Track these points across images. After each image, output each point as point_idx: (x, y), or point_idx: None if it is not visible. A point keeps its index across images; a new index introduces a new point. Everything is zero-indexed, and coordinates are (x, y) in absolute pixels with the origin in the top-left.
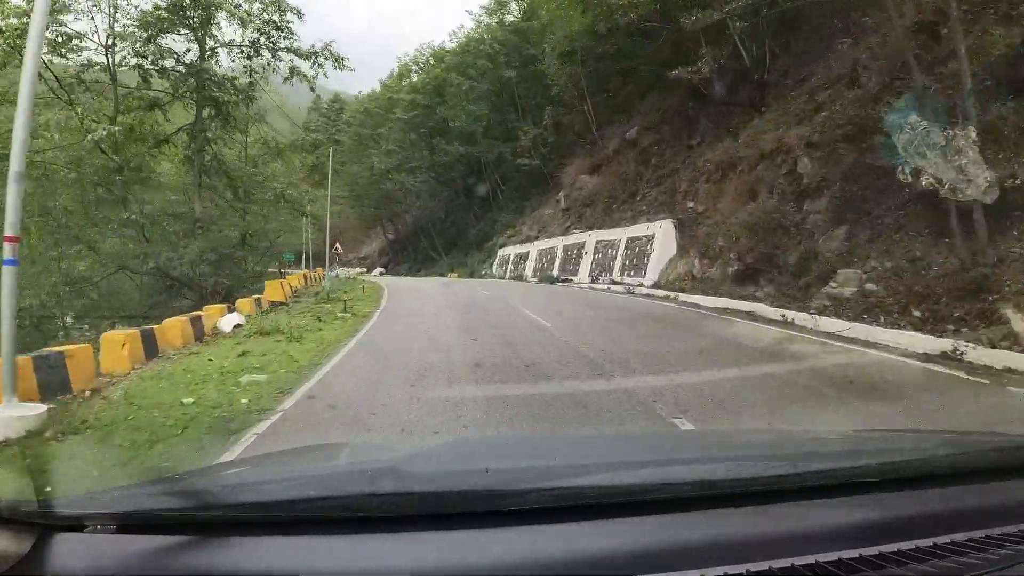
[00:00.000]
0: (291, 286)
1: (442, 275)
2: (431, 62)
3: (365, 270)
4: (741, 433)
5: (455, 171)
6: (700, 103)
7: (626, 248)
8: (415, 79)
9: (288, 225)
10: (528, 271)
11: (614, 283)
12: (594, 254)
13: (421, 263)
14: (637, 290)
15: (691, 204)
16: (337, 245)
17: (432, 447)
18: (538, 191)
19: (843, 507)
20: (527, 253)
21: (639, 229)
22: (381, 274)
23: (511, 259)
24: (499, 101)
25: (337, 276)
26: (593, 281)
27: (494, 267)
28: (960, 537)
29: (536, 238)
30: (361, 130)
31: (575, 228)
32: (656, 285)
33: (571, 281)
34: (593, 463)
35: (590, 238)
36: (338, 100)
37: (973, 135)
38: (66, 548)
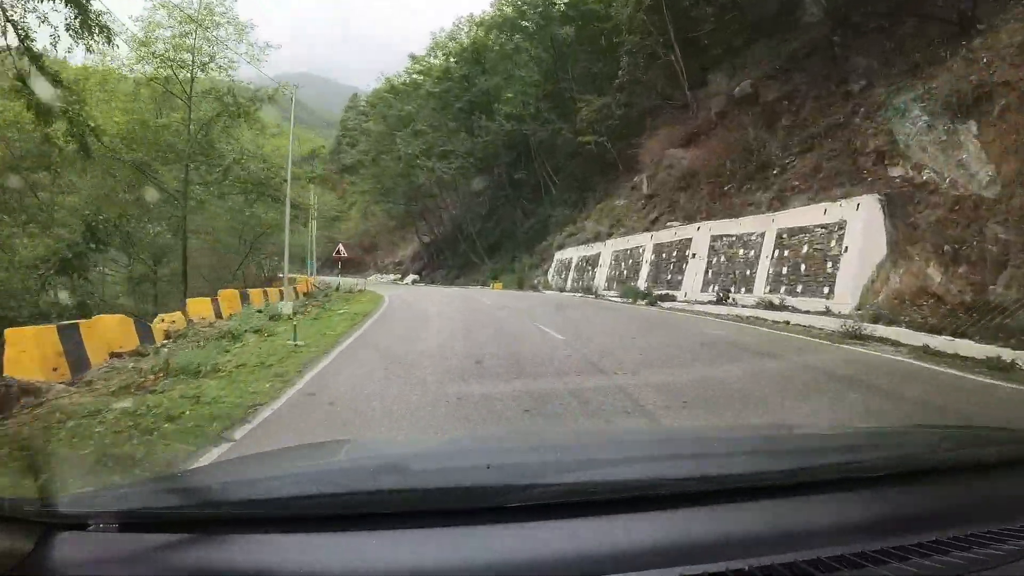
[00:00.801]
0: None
1: (484, 284)
2: (472, 30)
3: (399, 276)
4: (744, 429)
5: (498, 157)
6: (852, 35)
7: (779, 247)
8: (451, 47)
9: (275, 220)
10: (599, 280)
11: (773, 307)
12: (710, 256)
13: (460, 269)
14: (868, 331)
15: (897, 172)
16: (340, 247)
17: (434, 444)
18: (604, 177)
19: (847, 502)
20: (596, 256)
21: (808, 215)
22: (414, 282)
23: (573, 264)
24: (553, 68)
25: (339, 286)
26: (720, 300)
27: (550, 274)
28: (964, 532)
29: (608, 236)
30: (387, 111)
31: (670, 220)
32: (876, 315)
33: (673, 298)
34: (595, 459)
35: (699, 233)
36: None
37: None
38: (69, 547)
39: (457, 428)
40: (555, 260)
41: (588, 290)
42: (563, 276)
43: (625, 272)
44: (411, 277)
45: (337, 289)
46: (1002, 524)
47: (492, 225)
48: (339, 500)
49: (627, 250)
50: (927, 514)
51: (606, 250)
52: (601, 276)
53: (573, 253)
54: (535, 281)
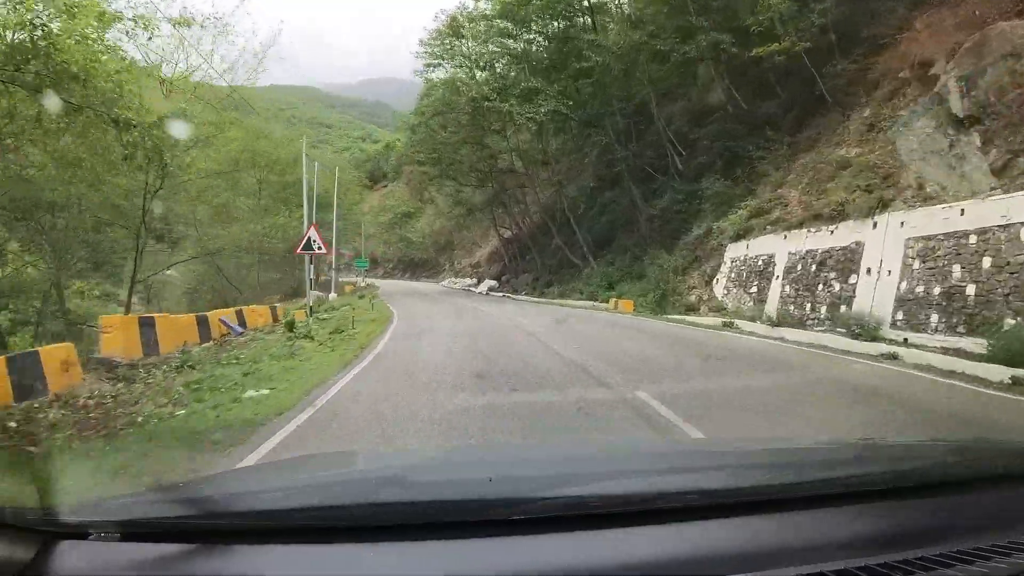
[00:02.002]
0: None
1: (592, 297)
2: None
3: (475, 282)
4: (747, 442)
5: (607, 105)
6: None
7: None
8: None
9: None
10: (872, 302)
11: None
12: None
13: (553, 273)
14: None
15: None
16: (311, 233)
17: (436, 456)
18: (790, 121)
19: (850, 516)
20: (848, 251)
21: None
22: (489, 291)
23: (780, 267)
24: None
25: (307, 316)
26: None
27: (720, 284)
28: (968, 546)
29: (876, 209)
30: (447, 53)
31: None
32: None
33: None
34: (597, 472)
35: None
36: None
37: None
38: (70, 555)
39: None
40: (728, 260)
41: (854, 326)
42: (755, 289)
43: (974, 288)
44: (487, 284)
45: (307, 317)
46: (1011, 538)
47: (597, 211)
48: (341, 512)
49: (958, 235)
50: (932, 528)
51: (879, 237)
52: (879, 293)
53: (774, 246)
54: (692, 296)
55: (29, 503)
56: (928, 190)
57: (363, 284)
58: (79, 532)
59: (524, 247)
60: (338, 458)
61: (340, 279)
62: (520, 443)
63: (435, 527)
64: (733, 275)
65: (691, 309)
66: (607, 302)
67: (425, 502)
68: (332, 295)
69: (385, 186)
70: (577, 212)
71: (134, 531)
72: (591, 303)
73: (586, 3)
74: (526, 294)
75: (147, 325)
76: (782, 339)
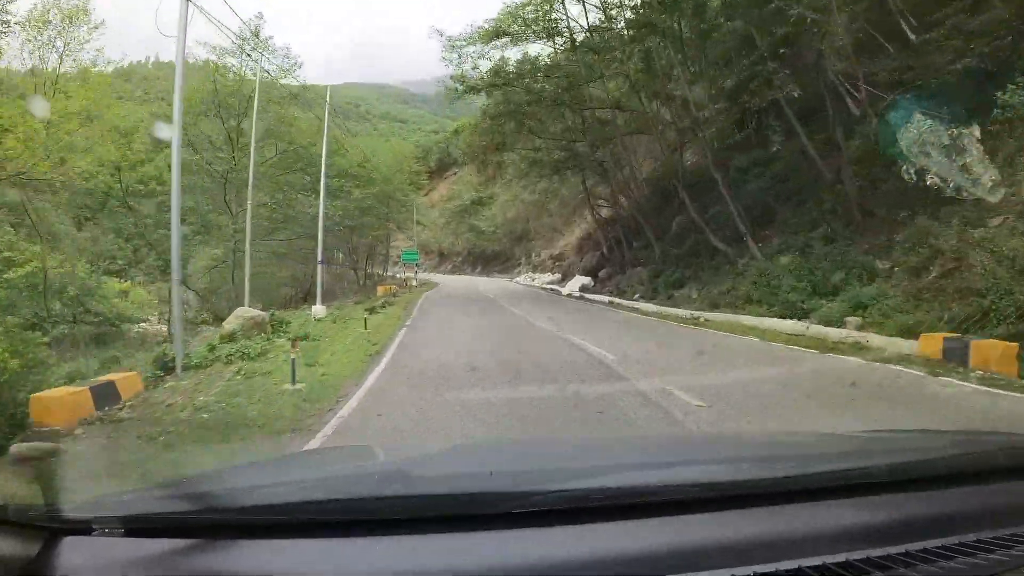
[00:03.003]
0: None
1: (792, 312)
2: None
3: (559, 277)
4: (747, 435)
5: None
6: None
7: None
8: None
9: None
10: None
11: None
12: None
13: (683, 266)
14: None
15: None
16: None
17: (438, 450)
18: None
19: (851, 508)
20: None
21: None
22: (582, 294)
23: None
24: None
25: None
26: None
27: None
28: (969, 538)
29: None
30: None
31: None
32: None
33: None
34: (598, 465)
35: None
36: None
37: None
38: (73, 551)
39: None
40: None
41: None
42: None
43: None
44: (578, 281)
45: None
46: (1010, 529)
47: (735, 174)
48: (343, 506)
49: None
50: (933, 520)
51: None
52: None
53: None
54: None
55: (32, 499)
56: None
57: (414, 282)
58: (82, 528)
59: (631, 228)
60: (341, 453)
61: (398, 274)
62: (522, 438)
63: (438, 521)
64: None
65: None
66: (843, 326)
67: (427, 496)
68: (318, 308)
69: (455, 172)
70: (717, 157)
71: (138, 527)
72: (798, 326)
73: None
74: (640, 296)
75: None
76: None
